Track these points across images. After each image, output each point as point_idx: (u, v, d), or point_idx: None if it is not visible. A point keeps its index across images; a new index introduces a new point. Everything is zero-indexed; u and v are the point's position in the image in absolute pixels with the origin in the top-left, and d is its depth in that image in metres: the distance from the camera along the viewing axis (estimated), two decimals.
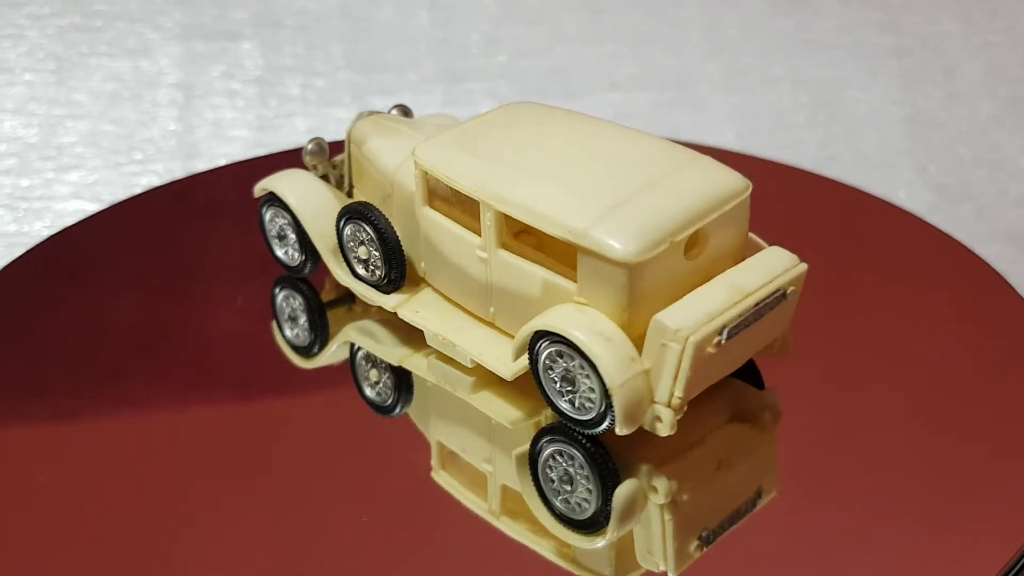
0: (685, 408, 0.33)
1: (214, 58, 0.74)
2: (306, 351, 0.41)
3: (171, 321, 0.43)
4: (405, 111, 0.44)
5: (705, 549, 0.32)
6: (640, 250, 0.32)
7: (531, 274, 0.34)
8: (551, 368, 0.33)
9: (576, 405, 0.33)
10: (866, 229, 0.50)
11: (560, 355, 0.33)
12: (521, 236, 0.36)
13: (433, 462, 0.35)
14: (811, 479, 0.35)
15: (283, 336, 0.41)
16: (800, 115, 0.74)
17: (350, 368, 0.40)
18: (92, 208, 0.56)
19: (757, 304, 0.33)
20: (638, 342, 0.32)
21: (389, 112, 0.43)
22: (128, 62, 0.73)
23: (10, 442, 0.37)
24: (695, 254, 0.33)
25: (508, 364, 0.35)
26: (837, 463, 0.36)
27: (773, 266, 0.34)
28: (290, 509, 0.34)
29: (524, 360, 0.34)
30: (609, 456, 0.34)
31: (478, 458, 0.35)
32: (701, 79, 0.75)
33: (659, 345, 0.32)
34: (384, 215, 0.38)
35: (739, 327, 0.33)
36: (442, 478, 0.35)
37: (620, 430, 0.33)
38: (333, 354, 0.40)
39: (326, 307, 0.42)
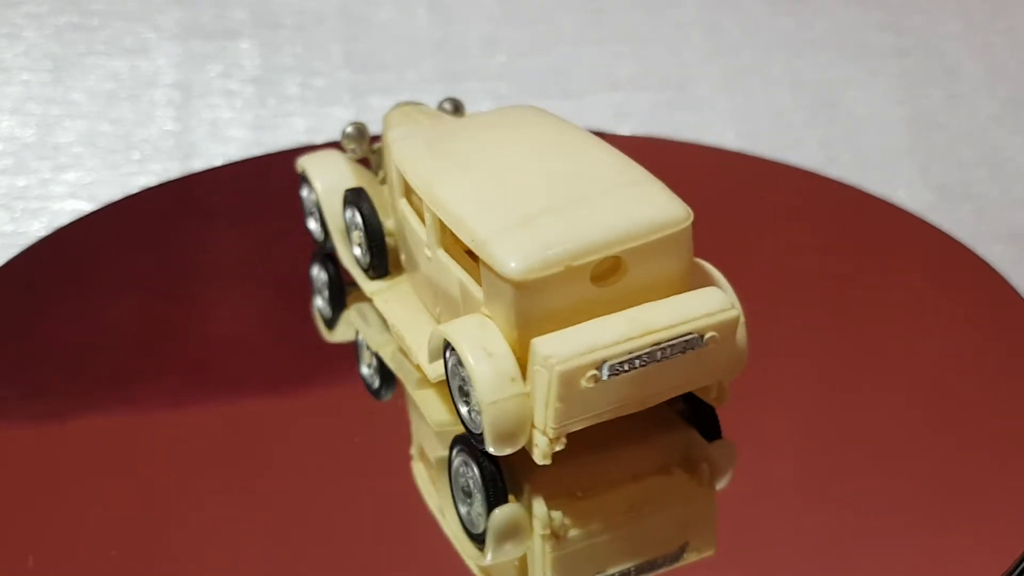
0: (562, 440, 0.31)
1: (212, 58, 0.74)
2: (328, 324, 0.43)
3: (168, 320, 0.43)
4: (456, 105, 0.43)
5: None
6: (527, 269, 0.31)
7: (455, 278, 0.33)
8: (454, 376, 0.33)
9: (471, 417, 0.33)
10: (866, 228, 0.50)
11: (459, 364, 0.32)
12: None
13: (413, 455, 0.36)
14: (810, 480, 0.35)
15: (316, 306, 0.43)
16: (800, 115, 0.73)
17: (354, 347, 0.41)
18: (89, 208, 0.56)
19: (657, 344, 0.31)
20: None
21: (440, 105, 0.43)
22: (125, 62, 0.73)
23: (6, 442, 0.37)
24: (610, 282, 0.31)
25: (433, 366, 0.34)
26: (837, 463, 0.36)
27: (694, 308, 0.31)
28: (290, 509, 0.34)
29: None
30: (499, 476, 0.33)
31: (418, 456, 0.35)
32: (701, 79, 0.75)
33: (534, 370, 0.31)
34: (372, 203, 0.39)
35: (626, 365, 0.31)
36: (418, 471, 0.35)
37: (490, 448, 0.32)
38: (342, 332, 0.42)
39: (347, 285, 0.43)
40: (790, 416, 0.38)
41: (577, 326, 0.31)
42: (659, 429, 0.33)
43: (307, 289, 0.44)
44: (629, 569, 0.31)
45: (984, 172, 0.71)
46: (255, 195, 0.51)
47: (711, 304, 0.31)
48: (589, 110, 0.45)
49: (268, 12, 0.76)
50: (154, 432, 0.37)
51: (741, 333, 0.32)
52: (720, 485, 0.34)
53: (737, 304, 0.33)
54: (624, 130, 0.47)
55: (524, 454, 0.32)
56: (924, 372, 0.40)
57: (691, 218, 0.32)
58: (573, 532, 0.32)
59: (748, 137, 0.72)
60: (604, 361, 0.30)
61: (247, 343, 0.42)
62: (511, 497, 0.33)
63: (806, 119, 0.73)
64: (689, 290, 0.32)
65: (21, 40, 0.74)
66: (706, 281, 0.33)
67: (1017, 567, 0.32)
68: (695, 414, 0.35)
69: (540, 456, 0.31)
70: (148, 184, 0.54)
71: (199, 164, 0.70)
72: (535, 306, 0.31)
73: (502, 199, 0.33)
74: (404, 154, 0.36)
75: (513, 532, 0.32)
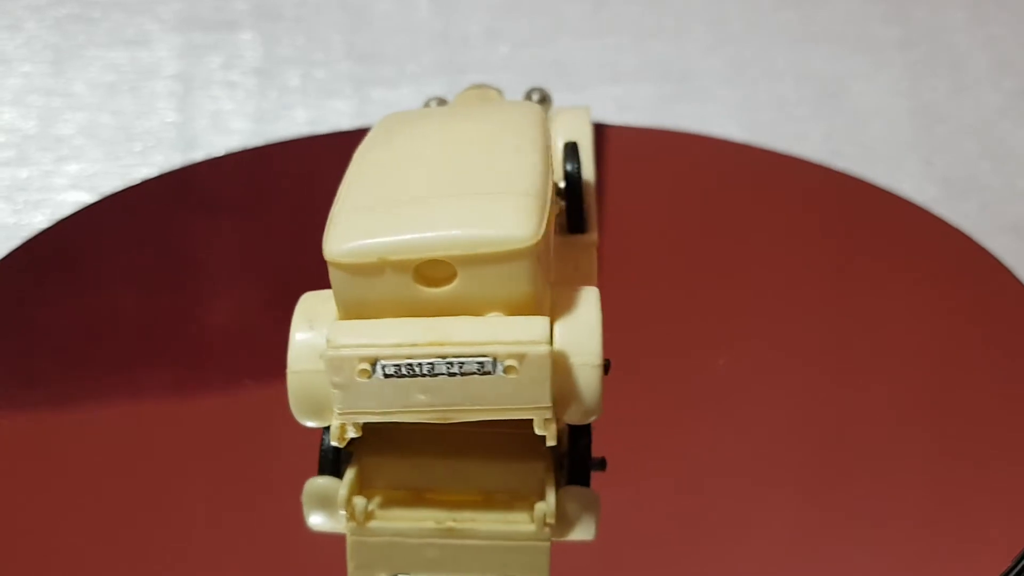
0: (356, 428, 0.31)
1: (213, 49, 0.74)
2: None
3: (168, 311, 0.43)
4: (543, 97, 0.44)
5: None
6: (338, 252, 0.30)
7: None
8: None
9: None
10: (871, 220, 0.50)
11: None
12: None
13: None
14: (812, 475, 0.35)
15: None
16: (804, 108, 0.73)
17: None
18: (91, 199, 0.56)
19: (444, 358, 0.30)
20: None
21: (527, 96, 0.44)
22: (126, 53, 0.73)
23: (4, 430, 0.37)
24: (439, 286, 0.31)
25: None
26: (839, 458, 0.36)
27: (501, 332, 0.30)
28: (286, 502, 0.34)
29: None
30: (332, 450, 0.33)
31: None
32: (704, 71, 0.75)
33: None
34: None
35: (404, 370, 0.30)
36: None
37: (296, 417, 0.32)
38: None
39: None
40: (792, 408, 0.38)
41: (379, 320, 0.31)
42: (526, 456, 0.32)
43: (308, 280, 0.44)
44: None
45: (989, 164, 0.70)
46: (257, 185, 0.50)
47: (521, 333, 0.30)
48: (591, 102, 0.45)
49: (269, 3, 0.75)
50: (153, 423, 0.37)
51: (544, 372, 0.30)
52: (562, 535, 0.32)
53: (594, 350, 0.31)
54: (626, 121, 0.47)
55: (383, 438, 0.32)
56: (929, 364, 0.40)
57: (532, 242, 0.30)
58: (375, 523, 0.32)
59: (751, 130, 0.72)
60: (376, 359, 0.30)
61: (247, 334, 0.42)
62: (348, 472, 0.33)
63: (810, 111, 0.73)
64: (541, 315, 0.31)
65: (22, 31, 0.73)
66: (571, 313, 0.31)
67: (1017, 564, 0.31)
68: (570, 455, 0.33)
69: (331, 436, 0.32)
70: (150, 176, 0.53)
71: (200, 155, 0.70)
72: (350, 291, 0.31)
73: (383, 183, 0.32)
74: (371, 133, 0.36)
75: (318, 504, 0.33)
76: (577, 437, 0.33)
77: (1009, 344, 0.40)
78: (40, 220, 0.67)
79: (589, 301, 0.32)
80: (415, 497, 0.32)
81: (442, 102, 0.44)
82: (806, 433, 0.37)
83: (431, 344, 0.30)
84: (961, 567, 0.32)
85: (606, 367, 0.32)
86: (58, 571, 0.32)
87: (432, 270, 0.31)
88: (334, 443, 0.32)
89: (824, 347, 0.41)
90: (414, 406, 0.31)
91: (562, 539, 0.32)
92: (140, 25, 0.74)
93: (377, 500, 0.32)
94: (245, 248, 0.46)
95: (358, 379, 0.30)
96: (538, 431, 0.31)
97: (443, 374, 0.30)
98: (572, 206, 0.41)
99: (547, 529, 0.31)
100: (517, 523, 0.31)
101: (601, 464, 0.33)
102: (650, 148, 0.47)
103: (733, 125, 0.72)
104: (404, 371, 0.30)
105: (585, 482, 0.33)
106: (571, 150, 0.41)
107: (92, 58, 0.73)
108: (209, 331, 0.42)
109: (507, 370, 0.30)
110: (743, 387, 0.39)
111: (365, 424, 0.31)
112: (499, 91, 0.44)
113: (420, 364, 0.30)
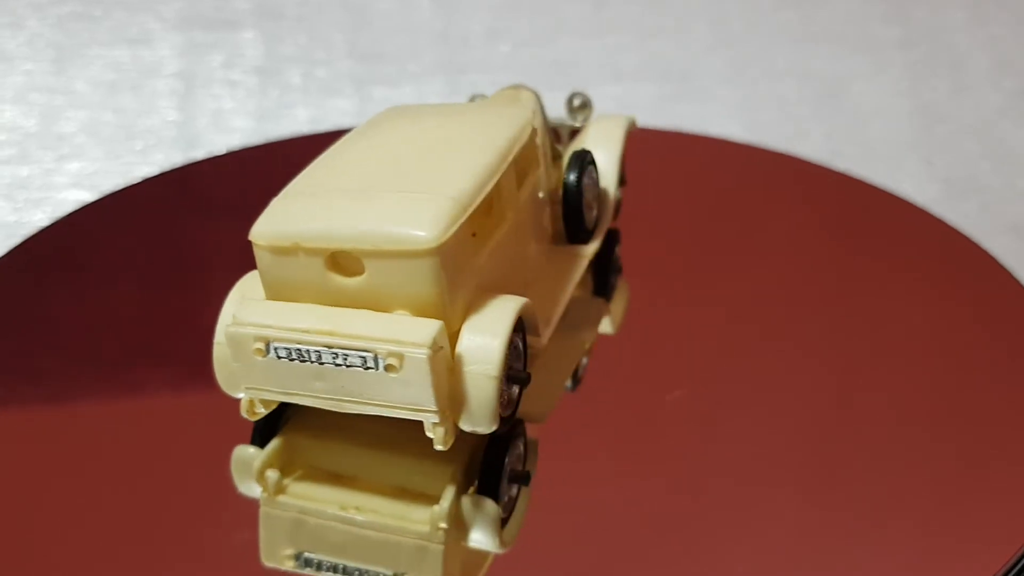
0: (266, 404, 0.32)
1: (215, 47, 0.74)
2: None
3: (169, 309, 0.43)
4: (584, 103, 0.44)
5: (292, 565, 0.31)
6: (259, 233, 0.32)
7: None
8: None
9: None
10: (871, 221, 0.50)
11: None
12: None
13: None
14: (811, 474, 0.35)
15: None
16: (805, 108, 0.73)
17: None
18: (92, 198, 0.56)
19: (330, 347, 0.31)
20: None
21: (569, 100, 0.44)
22: (128, 51, 0.73)
23: (6, 426, 0.37)
24: (349, 276, 0.31)
25: None
26: (839, 456, 0.36)
27: (387, 330, 0.30)
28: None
29: None
30: (265, 422, 0.34)
31: None
32: (706, 71, 0.75)
33: None
34: None
35: (295, 354, 0.31)
36: None
37: (220, 386, 0.33)
38: None
39: None
40: (792, 408, 0.38)
41: (286, 304, 0.32)
42: (442, 457, 0.32)
43: None
44: (316, 560, 0.31)
45: (989, 165, 0.71)
46: (257, 184, 0.50)
47: (404, 334, 0.30)
48: (593, 101, 0.45)
49: (271, 2, 0.75)
50: (154, 420, 0.37)
51: (423, 374, 0.30)
52: (457, 540, 0.32)
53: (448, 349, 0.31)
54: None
55: (315, 419, 0.33)
56: (928, 365, 0.40)
57: (434, 243, 0.30)
58: (284, 498, 0.32)
59: (752, 129, 0.72)
60: (270, 341, 0.31)
61: None
62: (270, 445, 0.33)
63: (811, 111, 0.73)
64: (449, 318, 0.31)
65: (24, 30, 0.74)
66: (483, 321, 0.32)
67: (1018, 563, 0.31)
68: (483, 463, 0.33)
69: (242, 409, 0.33)
70: (151, 174, 0.53)
71: (202, 154, 0.70)
72: (271, 272, 0.32)
73: (332, 172, 0.34)
74: (363, 123, 0.37)
75: (239, 469, 0.34)
76: (492, 446, 0.33)
77: (1008, 344, 0.40)
78: (40, 218, 0.67)
79: (506, 312, 0.32)
80: (330, 480, 0.33)
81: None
82: (805, 431, 0.37)
83: (321, 333, 0.30)
84: (961, 565, 0.32)
85: (524, 381, 0.33)
86: (60, 565, 0.32)
87: (344, 261, 0.31)
88: (244, 415, 0.33)
89: (823, 346, 0.41)
90: (309, 390, 0.32)
91: (460, 544, 0.31)
92: (142, 24, 0.74)
93: (293, 477, 0.33)
94: (245, 246, 0.46)
95: (255, 357, 0.31)
96: (428, 433, 0.31)
97: (330, 364, 0.31)
98: (567, 215, 0.40)
99: (440, 532, 0.31)
100: (414, 522, 0.32)
101: (525, 478, 0.33)
102: (651, 148, 0.47)
103: (735, 125, 0.72)
104: (295, 356, 0.31)
105: (492, 493, 0.32)
106: (575, 159, 0.40)
107: (94, 56, 0.73)
108: (209, 329, 0.42)
109: (388, 368, 0.30)
110: (741, 385, 0.39)
111: (304, 405, 0.32)
112: (533, 93, 0.43)
113: (309, 351, 0.31)
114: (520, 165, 0.37)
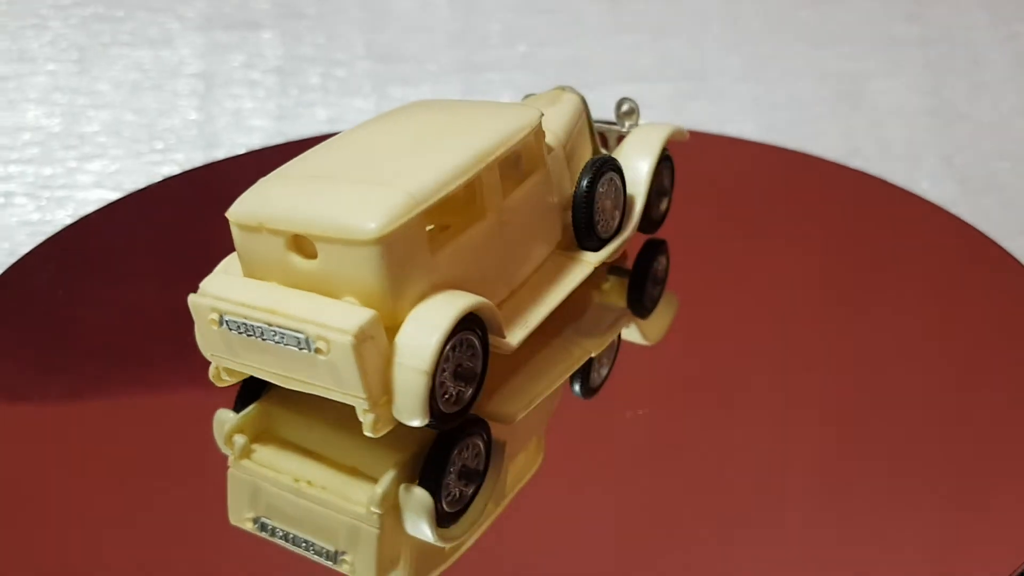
0: (231, 373, 0.35)
1: (235, 48, 0.74)
2: None
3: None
4: (631, 109, 0.45)
5: (252, 528, 0.32)
6: (233, 212, 0.34)
7: None
8: None
9: None
10: (889, 220, 0.50)
11: None
12: None
13: None
14: (826, 471, 0.35)
15: None
16: (823, 107, 0.73)
17: None
18: (114, 197, 0.57)
19: (270, 326, 0.32)
20: None
21: (618, 106, 0.45)
22: (150, 52, 0.74)
23: (30, 417, 0.38)
24: (307, 259, 0.33)
25: None
26: (856, 450, 0.36)
27: (322, 314, 0.32)
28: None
29: None
30: (246, 387, 0.36)
31: None
32: (722, 70, 0.75)
33: None
34: None
35: (242, 329, 0.33)
36: None
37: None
38: None
39: None
40: (809, 403, 0.38)
41: (248, 280, 0.34)
42: (394, 444, 0.33)
43: None
44: (271, 526, 0.32)
45: (1008, 164, 0.70)
46: None
47: (334, 319, 0.31)
48: (609, 100, 0.45)
49: (290, 2, 0.76)
50: (175, 415, 0.38)
51: (348, 360, 0.31)
52: (394, 526, 0.32)
53: (377, 336, 0.31)
54: (643, 121, 0.47)
55: (292, 392, 0.33)
56: (947, 363, 0.40)
57: (376, 235, 0.31)
58: (247, 463, 0.34)
59: (769, 129, 0.72)
60: (222, 313, 0.33)
61: None
62: (243, 412, 0.35)
63: (828, 110, 0.73)
64: (396, 308, 0.32)
65: (47, 31, 0.74)
66: (425, 316, 0.32)
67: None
68: (428, 453, 0.34)
69: (209, 374, 0.35)
70: (172, 173, 0.54)
71: (222, 154, 0.70)
72: (242, 248, 0.34)
73: (319, 159, 0.35)
74: (377, 115, 0.39)
75: (217, 431, 0.36)
76: (440, 441, 0.34)
77: None
78: (63, 217, 0.67)
79: (450, 310, 0.32)
80: (295, 452, 0.34)
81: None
82: (818, 427, 0.37)
83: (263, 310, 0.32)
84: (972, 569, 0.32)
85: (476, 380, 0.33)
86: (74, 552, 0.32)
87: (303, 244, 0.33)
88: (212, 381, 0.35)
89: (840, 345, 0.41)
90: (259, 364, 0.33)
91: (396, 531, 0.32)
92: (163, 24, 0.75)
93: (262, 444, 0.34)
94: None
95: (211, 327, 0.33)
96: (360, 418, 0.32)
97: (272, 341, 0.32)
98: (576, 221, 0.40)
99: (374, 516, 0.32)
100: (354, 503, 0.32)
101: (477, 476, 0.33)
102: (668, 147, 0.47)
103: (751, 124, 0.72)
104: (243, 329, 0.33)
105: (431, 486, 0.33)
106: (589, 165, 0.40)
107: (116, 57, 0.74)
108: None
109: (317, 351, 0.31)
110: (755, 381, 0.39)
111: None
112: (578, 95, 0.43)
113: (254, 326, 0.32)
114: (512, 165, 0.37)
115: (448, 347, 0.32)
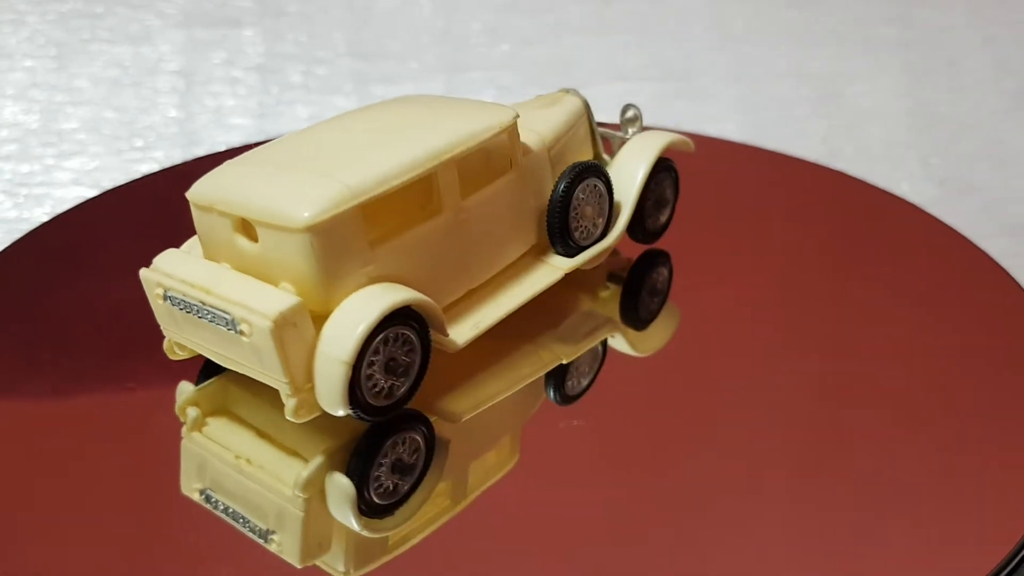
0: (181, 348, 0.36)
1: (215, 45, 0.74)
2: None
3: None
4: (635, 116, 0.45)
5: (199, 499, 0.33)
6: (190, 192, 0.35)
7: None
8: None
9: None
10: (869, 221, 0.50)
11: None
12: None
13: None
14: (808, 473, 0.35)
15: None
16: (804, 107, 0.73)
17: None
18: (92, 195, 0.56)
19: (203, 304, 0.33)
20: None
21: (623, 111, 0.45)
22: (129, 48, 0.73)
23: (8, 417, 0.38)
24: (251, 241, 0.34)
25: None
26: (835, 454, 0.36)
27: (249, 297, 0.32)
28: None
29: None
30: (207, 367, 0.37)
31: None
32: (706, 70, 0.75)
33: None
34: None
35: (181, 305, 0.34)
36: None
37: None
38: None
39: None
40: (789, 407, 0.38)
41: (197, 259, 0.35)
42: (331, 430, 0.34)
43: None
44: (215, 499, 0.33)
45: (987, 165, 0.71)
46: None
47: (257, 303, 0.32)
48: (593, 100, 0.45)
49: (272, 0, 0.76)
50: (152, 409, 0.38)
51: (268, 344, 0.32)
52: (319, 510, 0.33)
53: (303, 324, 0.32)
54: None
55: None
56: (925, 364, 0.40)
57: (305, 224, 0.32)
58: (197, 436, 0.35)
59: (752, 129, 0.72)
60: (166, 289, 0.34)
61: None
62: (201, 385, 0.37)
63: (810, 111, 0.73)
64: (328, 297, 0.33)
65: (25, 26, 0.74)
66: (353, 309, 0.33)
67: (1012, 561, 0.32)
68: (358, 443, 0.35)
69: (164, 347, 0.37)
70: (151, 171, 0.54)
71: (202, 151, 0.70)
72: (199, 228, 0.35)
73: (280, 147, 0.36)
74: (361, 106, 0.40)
75: (177, 402, 0.37)
76: (371, 432, 0.34)
77: (1005, 343, 0.41)
78: (41, 214, 0.67)
79: (379, 303, 0.33)
80: (244, 428, 0.35)
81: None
82: (801, 429, 0.37)
83: (200, 289, 0.33)
84: (958, 562, 0.32)
85: (410, 375, 0.34)
86: (59, 554, 0.32)
87: (249, 227, 0.34)
88: (167, 353, 0.36)
89: (819, 345, 0.41)
90: (199, 340, 0.34)
91: (326, 516, 0.32)
92: (143, 21, 0.74)
93: (215, 418, 0.34)
94: None
95: (158, 301, 0.35)
96: (284, 400, 0.33)
97: (206, 319, 0.33)
98: (550, 226, 0.40)
99: (298, 499, 0.32)
100: (283, 484, 0.33)
101: (410, 471, 0.34)
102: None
103: (733, 124, 0.72)
104: (183, 306, 0.34)
105: (356, 476, 0.33)
106: (568, 170, 0.40)
107: (95, 53, 0.73)
108: None
109: (241, 333, 0.32)
110: (739, 383, 0.39)
111: None
112: (580, 98, 0.43)
113: (191, 304, 0.34)
114: (479, 164, 0.37)
115: (377, 339, 0.32)
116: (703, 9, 0.77)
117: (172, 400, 0.38)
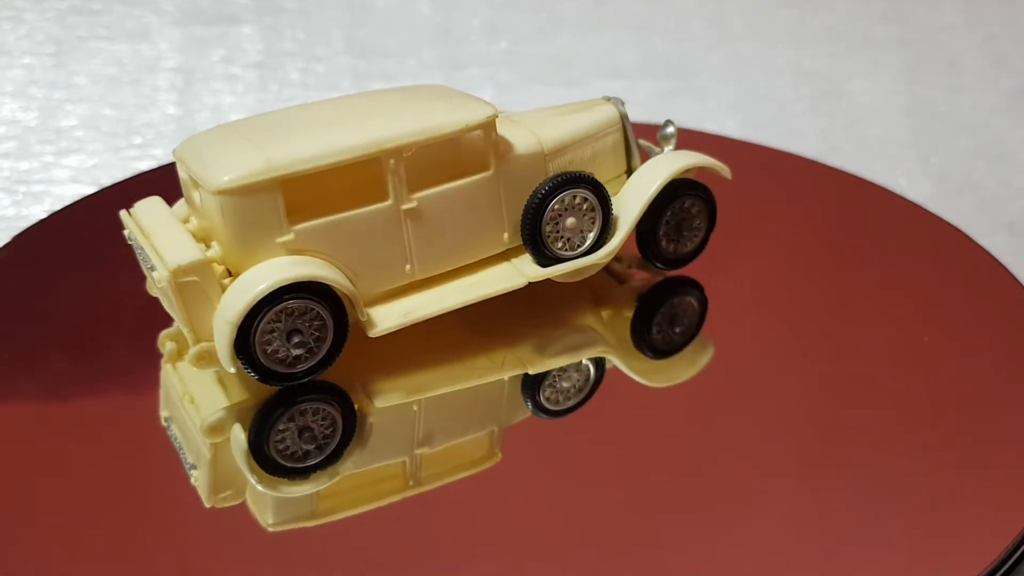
0: (151, 286, 0.38)
1: (214, 42, 0.74)
2: None
3: None
4: (671, 134, 0.43)
5: (164, 424, 0.37)
6: (174, 150, 0.37)
7: None
8: None
9: None
10: (868, 217, 0.50)
11: None
12: None
13: None
14: (806, 471, 0.35)
15: None
16: (802, 105, 0.73)
17: None
18: (91, 192, 0.56)
19: (142, 248, 0.36)
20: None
21: (664, 126, 0.43)
22: (128, 46, 0.73)
23: (6, 416, 0.37)
24: (196, 199, 0.37)
25: None
26: (833, 453, 0.36)
27: (167, 248, 0.35)
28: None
29: None
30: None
31: None
32: (704, 68, 0.75)
33: None
34: None
35: (135, 245, 0.37)
36: None
37: None
38: None
39: None
40: (787, 404, 0.38)
41: (165, 209, 0.38)
42: (248, 396, 0.37)
43: None
44: (172, 430, 0.36)
45: (985, 163, 0.71)
46: None
47: (169, 254, 0.35)
48: (591, 97, 0.45)
49: None
50: (151, 409, 0.37)
51: (171, 296, 0.35)
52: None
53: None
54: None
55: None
56: (924, 361, 0.40)
57: (217, 188, 0.34)
58: (169, 367, 0.39)
59: (750, 127, 0.72)
60: (129, 230, 0.37)
61: None
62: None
63: (808, 109, 0.73)
64: (230, 257, 0.35)
65: (23, 24, 0.73)
66: (255, 275, 0.35)
67: (1007, 559, 0.32)
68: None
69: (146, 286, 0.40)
70: (150, 168, 0.54)
71: None
72: (181, 182, 0.38)
73: (261, 117, 0.39)
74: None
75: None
76: (282, 393, 0.37)
77: (1005, 340, 0.41)
78: (39, 212, 0.67)
79: (275, 274, 0.35)
80: (211, 372, 0.37)
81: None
82: (800, 427, 0.37)
83: (143, 235, 0.36)
84: (953, 558, 0.32)
85: (311, 348, 0.36)
86: (58, 557, 0.32)
87: (193, 185, 0.37)
88: (148, 290, 0.39)
89: (818, 342, 0.41)
90: (152, 282, 0.37)
91: (230, 462, 0.35)
92: (141, 18, 0.74)
93: (191, 353, 0.36)
94: None
95: (128, 240, 0.38)
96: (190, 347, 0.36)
97: (145, 264, 0.37)
98: (522, 231, 0.39)
99: (208, 442, 0.35)
100: (202, 424, 0.36)
101: (322, 441, 0.35)
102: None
103: (732, 122, 0.72)
104: (136, 248, 0.37)
105: (256, 432, 0.36)
106: (551, 180, 0.39)
107: (93, 51, 0.73)
108: None
109: (157, 279, 0.35)
110: (736, 382, 0.39)
111: None
112: (616, 108, 0.42)
113: (139, 246, 0.37)
114: (438, 158, 0.38)
115: (276, 308, 0.34)
116: (702, 7, 0.77)
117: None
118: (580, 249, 0.40)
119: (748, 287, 0.44)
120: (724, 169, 0.43)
